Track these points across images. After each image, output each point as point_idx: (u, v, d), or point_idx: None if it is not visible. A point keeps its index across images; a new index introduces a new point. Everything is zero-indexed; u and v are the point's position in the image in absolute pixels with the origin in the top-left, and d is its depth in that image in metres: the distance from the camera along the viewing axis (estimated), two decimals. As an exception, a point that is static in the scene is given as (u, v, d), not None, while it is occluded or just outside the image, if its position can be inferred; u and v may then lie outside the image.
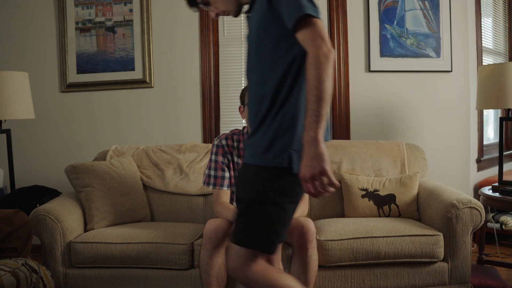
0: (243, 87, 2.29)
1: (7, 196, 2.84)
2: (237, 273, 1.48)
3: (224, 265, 2.14)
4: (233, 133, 2.35)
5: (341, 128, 3.31)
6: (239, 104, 3.55)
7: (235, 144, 2.32)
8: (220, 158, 2.30)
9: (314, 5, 1.38)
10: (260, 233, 1.44)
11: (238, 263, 1.46)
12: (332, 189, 1.34)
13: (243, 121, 3.33)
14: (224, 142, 2.31)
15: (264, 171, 1.41)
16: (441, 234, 2.22)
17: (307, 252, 2.08)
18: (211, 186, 2.29)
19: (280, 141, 1.39)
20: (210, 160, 2.32)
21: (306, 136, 1.33)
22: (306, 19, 1.34)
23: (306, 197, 2.31)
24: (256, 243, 1.44)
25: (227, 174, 2.29)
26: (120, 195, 2.57)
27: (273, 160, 1.40)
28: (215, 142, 2.33)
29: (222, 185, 2.28)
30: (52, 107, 3.38)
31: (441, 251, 2.20)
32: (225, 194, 2.29)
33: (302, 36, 1.35)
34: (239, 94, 3.36)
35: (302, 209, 2.26)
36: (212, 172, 2.30)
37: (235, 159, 2.32)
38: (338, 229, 2.28)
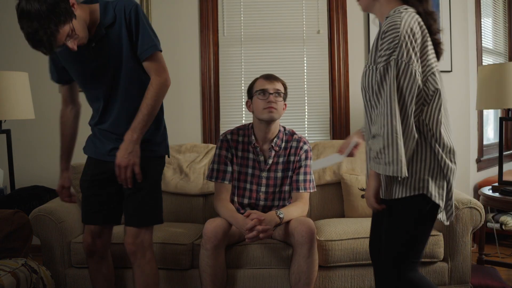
0: (251, 82, 2.36)
1: (7, 196, 2.84)
2: (141, 252, 1.88)
3: (223, 264, 2.14)
4: (239, 128, 2.38)
5: (341, 128, 3.31)
6: (239, 104, 3.54)
7: (240, 138, 2.34)
8: (223, 152, 2.31)
9: (158, 38, 1.81)
10: (160, 209, 1.94)
11: (146, 240, 1.88)
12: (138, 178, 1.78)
13: (243, 118, 3.33)
14: (229, 136, 2.34)
15: (157, 159, 1.95)
16: (440, 234, 2.22)
17: (307, 252, 2.07)
18: (213, 180, 2.31)
19: (163, 138, 1.99)
20: (215, 154, 2.34)
21: (130, 136, 1.76)
22: (154, 53, 1.79)
23: (306, 197, 2.32)
24: (159, 218, 1.94)
25: (229, 168, 2.31)
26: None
27: (163, 151, 1.98)
28: (220, 137, 2.36)
29: (224, 179, 2.29)
30: (52, 107, 3.37)
31: (441, 251, 2.20)
32: (226, 188, 2.30)
33: (149, 65, 1.79)
34: (238, 94, 3.37)
35: (301, 209, 2.27)
36: (215, 166, 2.31)
37: (239, 153, 2.33)
38: (338, 229, 2.28)
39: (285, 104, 2.33)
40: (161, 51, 1.81)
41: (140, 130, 1.77)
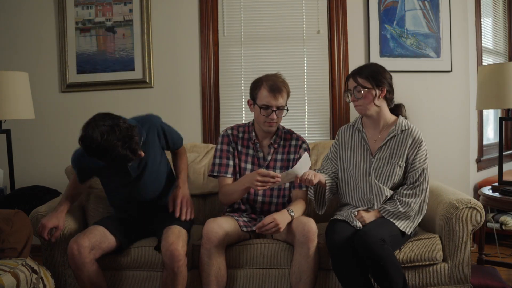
0: (254, 81, 2.34)
1: (7, 196, 2.84)
2: (184, 251, 2.10)
3: (223, 264, 2.14)
4: (239, 125, 2.44)
5: (341, 128, 3.31)
6: (239, 104, 3.53)
7: (240, 134, 2.39)
8: (225, 147, 2.36)
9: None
10: None
11: None
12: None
13: (243, 118, 3.33)
14: (229, 131, 2.40)
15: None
16: (437, 236, 2.23)
17: (308, 251, 2.08)
18: (215, 174, 2.35)
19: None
20: (216, 149, 2.38)
21: (182, 183, 2.34)
22: None
23: (306, 193, 2.32)
24: None
25: (231, 162, 2.35)
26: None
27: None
28: (222, 133, 2.42)
29: (226, 172, 2.33)
30: (52, 107, 3.38)
31: (439, 253, 2.20)
32: (229, 181, 2.33)
33: (180, 150, 2.44)
34: (238, 94, 3.37)
35: (304, 207, 2.30)
36: (217, 161, 2.35)
37: (239, 148, 2.37)
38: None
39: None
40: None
41: (186, 180, 2.37)
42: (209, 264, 2.10)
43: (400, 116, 2.29)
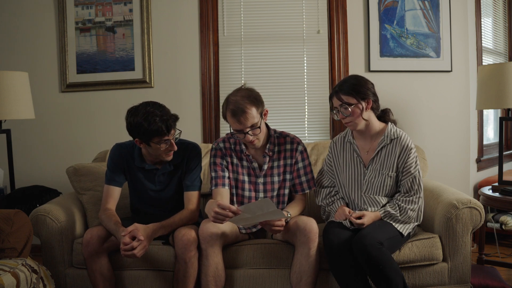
0: (223, 106, 2.19)
1: (7, 196, 2.84)
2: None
3: (221, 264, 2.14)
4: (229, 137, 2.34)
5: (340, 128, 3.31)
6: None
7: (232, 146, 2.32)
8: (218, 160, 2.29)
9: (201, 181, 2.42)
10: None
11: None
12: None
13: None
14: (221, 145, 2.32)
15: None
16: (437, 236, 2.23)
17: (309, 251, 2.08)
18: (213, 188, 2.28)
19: None
20: (210, 163, 2.32)
21: (152, 230, 2.13)
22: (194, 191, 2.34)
23: (307, 194, 2.32)
24: None
25: (226, 174, 2.29)
26: (121, 197, 2.56)
27: None
28: (213, 146, 2.33)
29: (223, 184, 2.27)
30: (52, 107, 3.38)
31: (439, 253, 2.20)
32: (220, 193, 2.25)
33: (186, 196, 2.31)
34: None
35: (303, 207, 2.30)
36: (214, 174, 2.29)
37: (235, 161, 2.31)
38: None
39: (266, 112, 2.23)
40: (199, 191, 2.32)
41: (161, 231, 2.14)
42: (205, 264, 2.10)
43: (389, 123, 2.26)
